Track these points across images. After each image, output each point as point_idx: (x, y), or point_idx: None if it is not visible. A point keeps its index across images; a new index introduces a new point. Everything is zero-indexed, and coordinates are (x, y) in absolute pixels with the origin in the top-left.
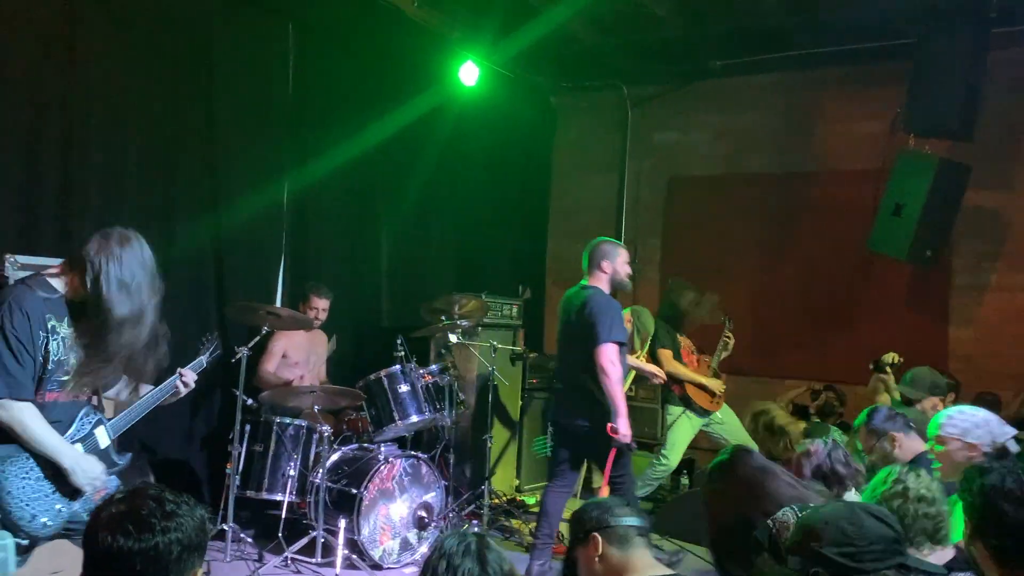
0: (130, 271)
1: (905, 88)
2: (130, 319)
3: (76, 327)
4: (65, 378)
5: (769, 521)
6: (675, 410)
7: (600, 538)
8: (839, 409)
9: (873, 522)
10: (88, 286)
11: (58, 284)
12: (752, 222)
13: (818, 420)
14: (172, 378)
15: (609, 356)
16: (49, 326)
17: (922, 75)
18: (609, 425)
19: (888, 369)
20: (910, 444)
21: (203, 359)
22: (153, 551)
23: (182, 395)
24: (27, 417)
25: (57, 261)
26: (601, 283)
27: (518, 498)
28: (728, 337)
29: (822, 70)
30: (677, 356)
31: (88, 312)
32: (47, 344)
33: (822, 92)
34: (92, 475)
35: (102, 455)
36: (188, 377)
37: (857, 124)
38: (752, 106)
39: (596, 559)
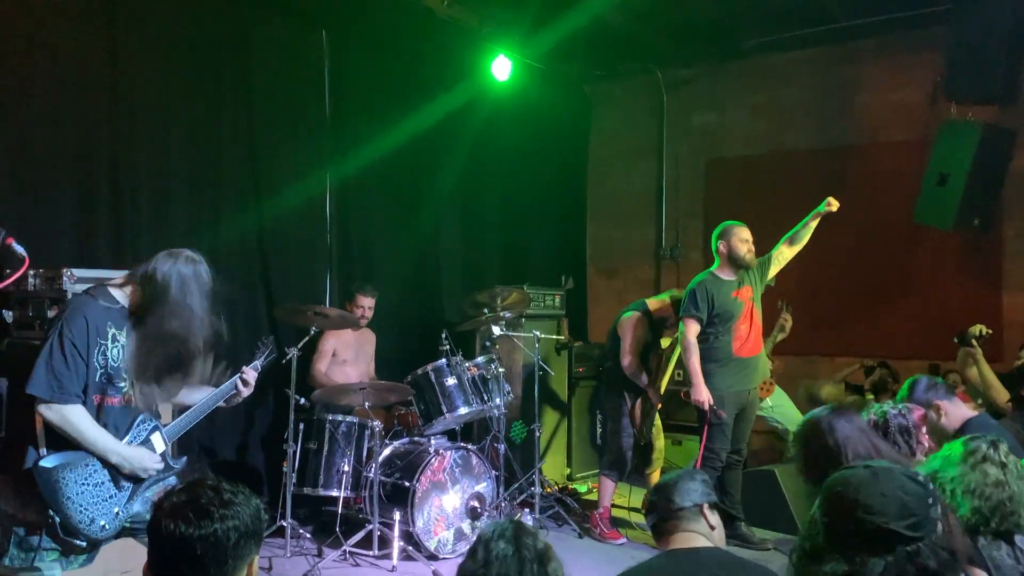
0: (188, 291)
1: (944, 55)
2: (178, 335)
3: (132, 337)
4: (123, 384)
5: None
6: None
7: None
8: (892, 386)
9: (913, 485)
10: (146, 299)
11: (119, 295)
12: (795, 200)
13: (872, 397)
14: (232, 379)
15: (682, 329)
16: (110, 334)
17: (962, 40)
18: (683, 391)
19: (974, 342)
20: (956, 411)
21: (258, 363)
22: (212, 537)
23: (243, 396)
24: (74, 417)
25: (112, 273)
26: (721, 264)
27: (570, 486)
28: (785, 320)
29: (858, 41)
30: None
31: (142, 323)
32: (106, 351)
33: (859, 64)
34: (143, 464)
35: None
36: (249, 375)
37: (897, 94)
38: (789, 82)
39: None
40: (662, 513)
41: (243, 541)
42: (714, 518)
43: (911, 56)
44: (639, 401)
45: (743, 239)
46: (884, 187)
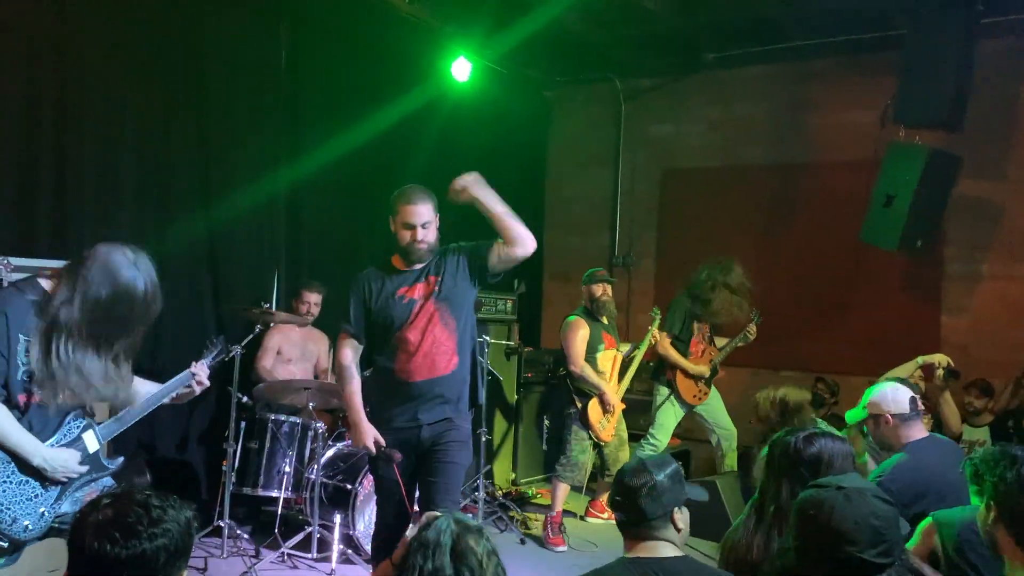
0: (109, 292)
1: (895, 79)
2: (90, 337)
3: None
4: (50, 380)
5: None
6: (663, 391)
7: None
8: (830, 401)
9: (884, 506)
10: (66, 295)
11: (48, 286)
12: (746, 213)
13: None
14: (182, 375)
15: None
16: (34, 329)
17: (912, 66)
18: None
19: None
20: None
21: (206, 362)
22: (140, 558)
23: (195, 393)
24: None
25: (51, 263)
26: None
27: (515, 491)
28: (750, 332)
29: (814, 61)
30: (686, 343)
31: (61, 313)
32: (30, 347)
33: (815, 84)
34: (65, 467)
35: (91, 459)
36: (200, 372)
37: (850, 115)
38: (745, 98)
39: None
40: (630, 517)
41: (172, 560)
42: (681, 519)
43: (864, 78)
44: (591, 404)
45: (404, 224)
46: (833, 205)
